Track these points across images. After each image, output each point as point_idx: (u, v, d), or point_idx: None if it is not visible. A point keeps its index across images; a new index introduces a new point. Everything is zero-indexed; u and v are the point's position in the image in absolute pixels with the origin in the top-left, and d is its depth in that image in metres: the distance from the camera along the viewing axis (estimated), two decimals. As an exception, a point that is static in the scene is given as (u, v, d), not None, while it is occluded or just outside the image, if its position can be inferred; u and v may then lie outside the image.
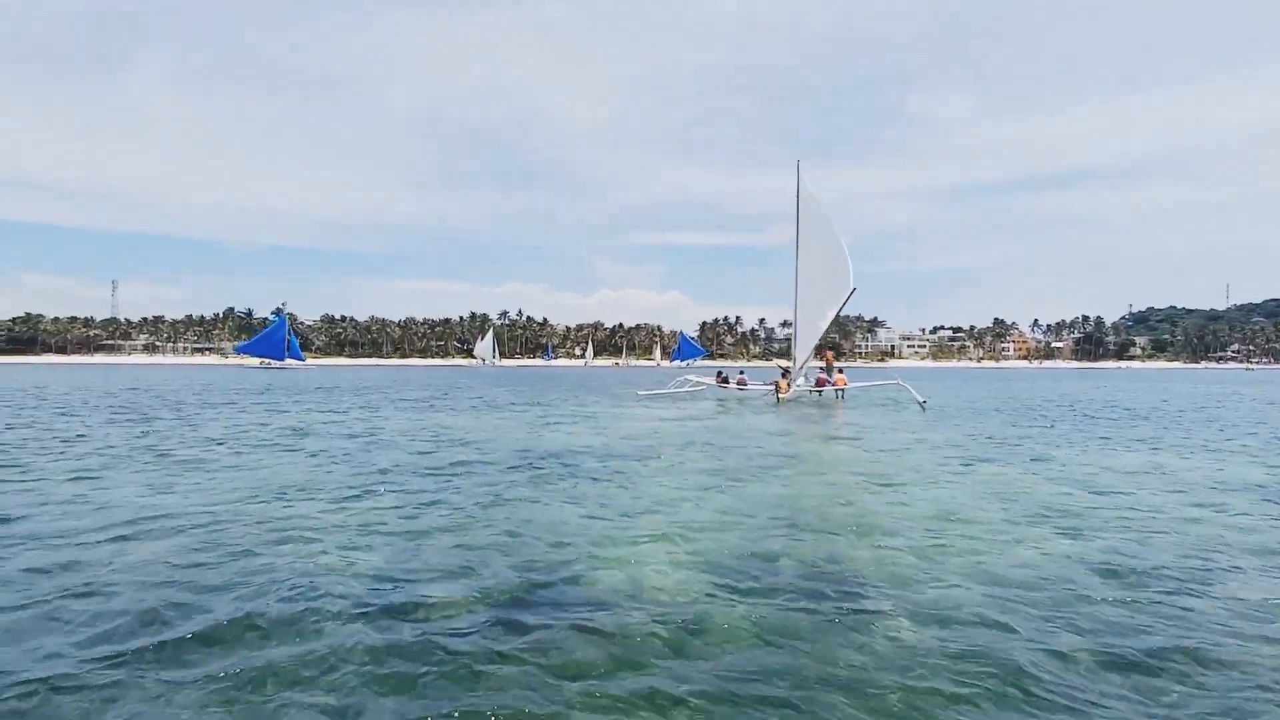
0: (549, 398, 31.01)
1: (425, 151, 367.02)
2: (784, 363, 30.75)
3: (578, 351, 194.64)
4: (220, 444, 14.10)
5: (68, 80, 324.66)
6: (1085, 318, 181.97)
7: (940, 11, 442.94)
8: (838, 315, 26.64)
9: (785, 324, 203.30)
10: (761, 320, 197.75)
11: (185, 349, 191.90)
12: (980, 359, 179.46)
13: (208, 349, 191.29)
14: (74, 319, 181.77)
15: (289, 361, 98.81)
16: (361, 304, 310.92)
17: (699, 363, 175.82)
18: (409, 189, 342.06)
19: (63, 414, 20.72)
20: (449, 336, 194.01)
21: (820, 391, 28.34)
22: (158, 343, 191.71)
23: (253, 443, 14.34)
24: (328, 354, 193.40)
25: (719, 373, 34.20)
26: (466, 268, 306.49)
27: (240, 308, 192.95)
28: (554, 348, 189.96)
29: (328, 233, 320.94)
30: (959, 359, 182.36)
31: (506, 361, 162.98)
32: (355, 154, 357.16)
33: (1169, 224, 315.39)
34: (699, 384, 32.41)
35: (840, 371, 29.62)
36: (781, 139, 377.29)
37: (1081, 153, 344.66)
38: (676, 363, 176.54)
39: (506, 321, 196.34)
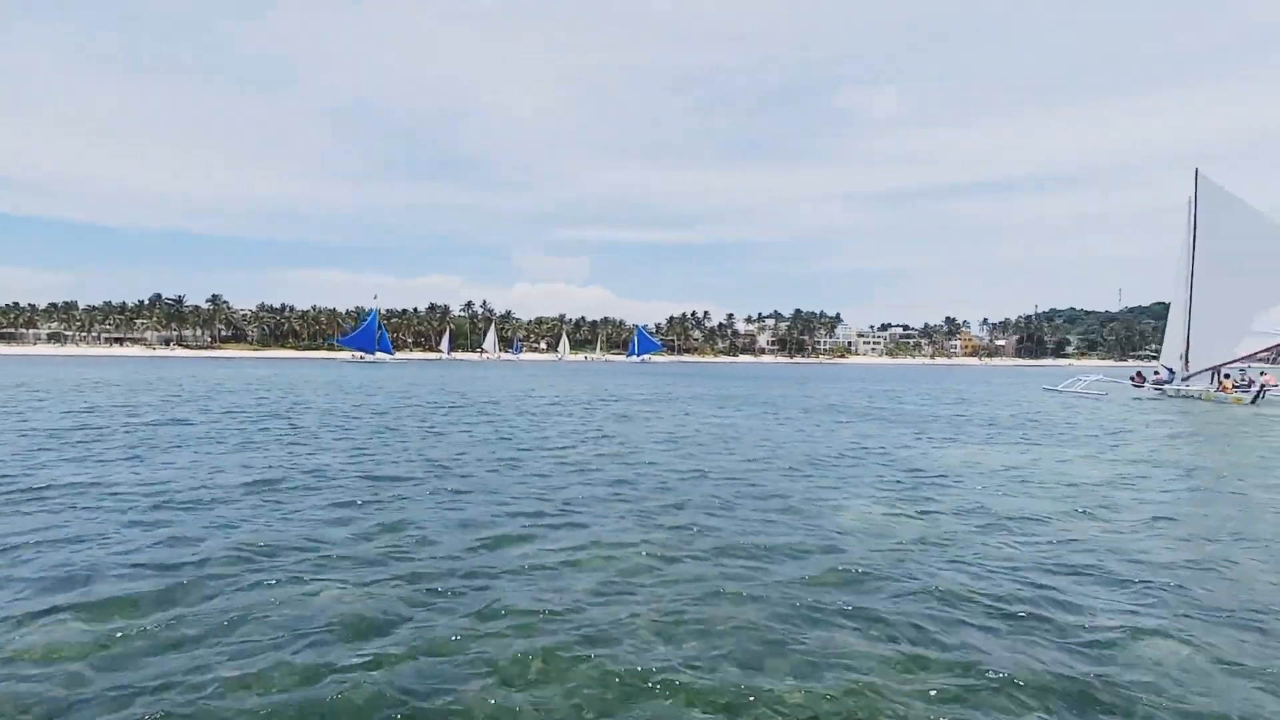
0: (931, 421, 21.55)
1: (347, 142, 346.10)
2: (1162, 365, 32.12)
3: (543, 345, 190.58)
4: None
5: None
6: (1028, 318, 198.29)
7: (879, 14, 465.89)
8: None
9: (749, 319, 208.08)
10: (730, 315, 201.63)
11: (100, 338, 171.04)
12: (933, 355, 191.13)
13: (128, 339, 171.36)
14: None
15: (379, 355, 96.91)
16: (274, 294, 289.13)
17: (655, 358, 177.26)
18: (329, 179, 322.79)
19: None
20: (406, 329, 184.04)
21: (1260, 393, 28.24)
22: (67, 331, 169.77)
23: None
24: (265, 345, 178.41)
25: (1138, 372, 34.53)
26: (385, 259, 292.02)
27: (169, 295, 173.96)
28: (520, 341, 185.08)
29: (239, 221, 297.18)
30: (913, 356, 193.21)
31: (508, 356, 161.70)
32: (272, 143, 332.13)
33: (1073, 233, 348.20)
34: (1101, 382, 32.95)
35: (1264, 373, 30.48)
36: (714, 139, 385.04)
37: (996, 163, 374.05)
38: (634, 358, 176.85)
39: (469, 314, 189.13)
